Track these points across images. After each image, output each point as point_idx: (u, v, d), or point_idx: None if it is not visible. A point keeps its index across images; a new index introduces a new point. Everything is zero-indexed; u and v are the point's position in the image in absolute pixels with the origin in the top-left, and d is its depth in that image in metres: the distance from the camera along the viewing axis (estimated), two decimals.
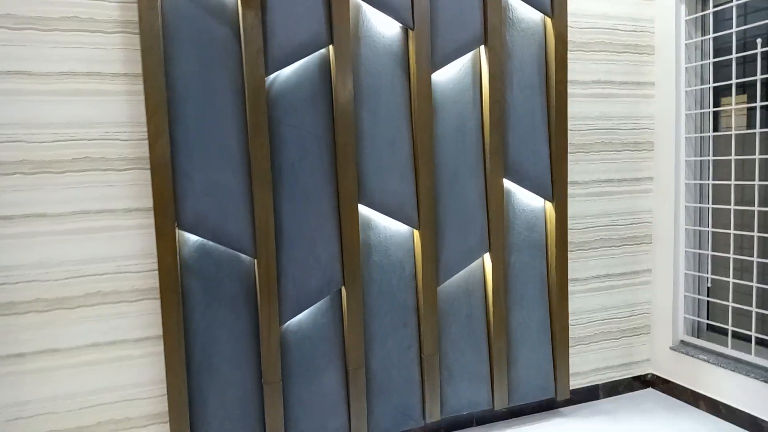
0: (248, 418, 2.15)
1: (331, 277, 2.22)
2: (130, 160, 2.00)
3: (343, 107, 2.17)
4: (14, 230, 1.90)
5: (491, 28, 2.38)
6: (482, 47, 2.41)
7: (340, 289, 2.26)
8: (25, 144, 1.89)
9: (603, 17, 2.72)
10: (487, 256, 2.48)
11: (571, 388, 2.77)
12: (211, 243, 2.05)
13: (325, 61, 2.18)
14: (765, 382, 2.38)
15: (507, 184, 2.51)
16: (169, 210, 1.96)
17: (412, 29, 2.26)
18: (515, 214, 2.53)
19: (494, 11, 2.38)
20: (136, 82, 1.98)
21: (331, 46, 2.17)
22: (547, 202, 2.59)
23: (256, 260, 2.11)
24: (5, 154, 1.87)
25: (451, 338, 2.44)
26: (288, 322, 2.18)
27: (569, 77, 2.66)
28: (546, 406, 2.72)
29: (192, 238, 2.04)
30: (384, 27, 2.26)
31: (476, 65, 2.42)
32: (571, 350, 2.77)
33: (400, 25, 2.27)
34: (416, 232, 2.35)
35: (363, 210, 2.29)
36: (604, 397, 2.87)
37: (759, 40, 2.45)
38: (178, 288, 2.00)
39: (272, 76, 2.10)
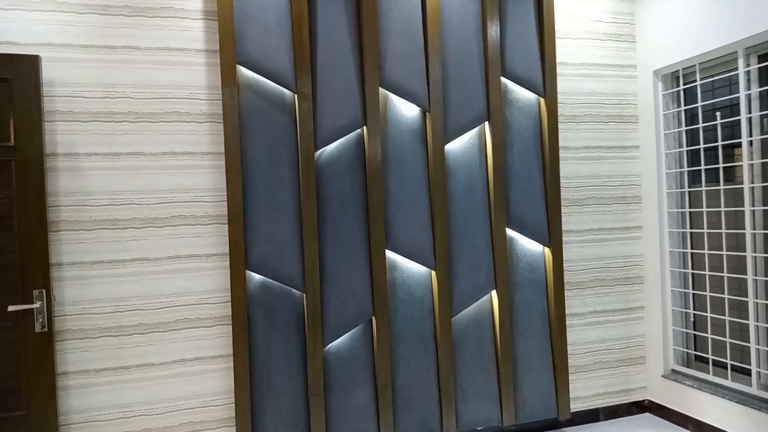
0: (297, 423, 2.65)
1: (364, 308, 2.75)
2: (212, 216, 2.62)
3: (373, 172, 2.76)
4: (125, 270, 2.52)
5: (493, 108, 2.96)
6: (486, 123, 2.98)
7: (371, 319, 2.79)
8: (136, 206, 2.53)
9: (590, 93, 3.27)
10: (494, 293, 2.97)
11: (573, 410, 3.17)
12: (270, 280, 2.63)
13: (360, 138, 2.79)
14: (738, 403, 2.76)
15: (510, 232, 3.02)
16: (240, 254, 2.56)
17: (429, 111, 2.86)
18: (518, 258, 3.03)
19: (495, 94, 2.96)
20: (219, 158, 2.63)
21: (365, 127, 2.78)
22: (545, 247, 3.08)
23: (304, 294, 2.67)
24: (123, 213, 2.51)
25: (465, 362, 2.91)
26: (329, 345, 2.71)
27: (563, 143, 3.20)
28: (551, 426, 3.13)
29: (256, 277, 2.62)
30: (406, 110, 2.86)
31: (482, 137, 2.98)
32: (572, 377, 3.18)
33: (419, 108, 2.87)
34: (433, 273, 2.87)
35: (390, 254, 2.83)
36: (605, 419, 3.25)
37: (718, 114, 2.96)
38: (246, 316, 2.57)
39: (320, 151, 2.71)
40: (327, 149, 2.74)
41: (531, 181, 3.05)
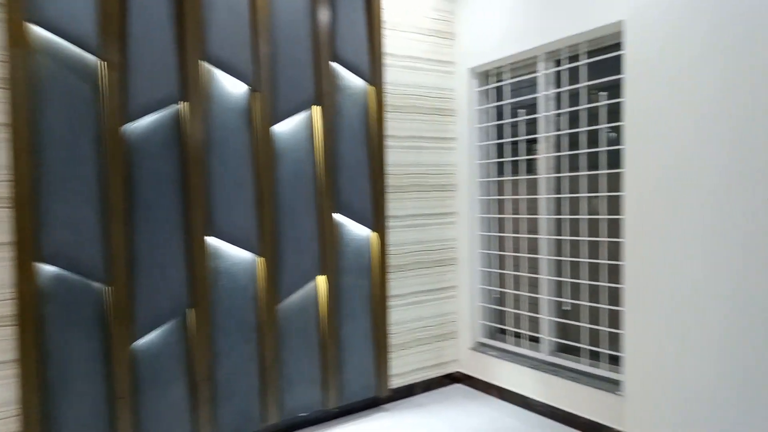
0: (101, 430, 2.38)
1: (180, 299, 2.55)
2: None
3: (195, 153, 2.56)
4: None
5: (323, 92, 2.93)
6: (316, 107, 2.94)
7: (190, 311, 2.60)
8: None
9: (415, 86, 3.41)
10: (321, 278, 2.97)
11: (392, 386, 3.34)
12: (67, 273, 2.29)
13: (179, 115, 2.55)
14: (532, 368, 3.14)
15: (339, 217, 3.04)
16: (28, 243, 2.18)
17: (257, 91, 2.73)
18: (345, 243, 3.07)
19: (326, 78, 2.93)
20: (4, 130, 2.19)
21: (185, 103, 2.55)
22: (371, 232, 3.17)
23: (109, 287, 2.38)
24: None
25: (290, 349, 2.88)
26: (139, 341, 2.47)
27: (389, 132, 3.29)
28: (372, 404, 3.26)
29: (50, 269, 2.26)
30: (232, 87, 2.69)
31: (311, 121, 2.94)
32: (392, 355, 3.34)
33: (246, 86, 2.72)
34: (259, 259, 2.77)
35: (213, 241, 2.66)
36: (420, 392, 3.48)
37: (524, 111, 3.29)
38: (35, 314, 2.21)
39: (131, 127, 2.42)
40: (140, 126, 2.45)
41: (359, 167, 3.10)
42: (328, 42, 2.95)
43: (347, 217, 3.06)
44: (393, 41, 3.29)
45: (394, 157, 3.33)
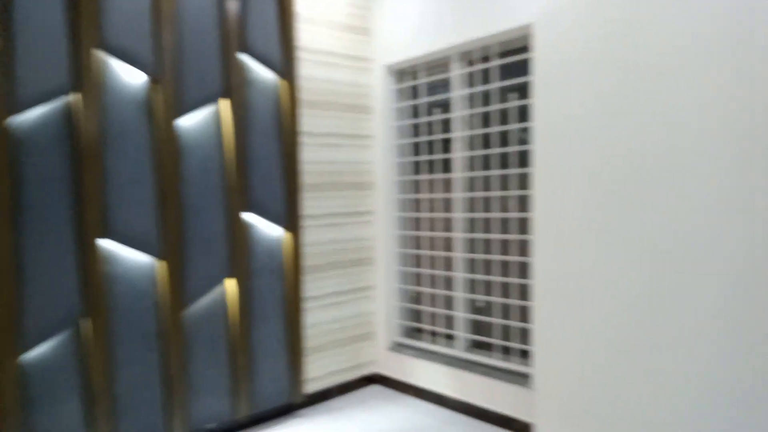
0: None
1: (72, 308, 2.33)
2: None
3: (89, 148, 2.34)
4: None
5: (232, 85, 2.78)
6: (225, 100, 2.79)
7: (85, 320, 2.38)
8: None
9: (331, 81, 3.33)
10: (230, 281, 2.83)
11: (308, 391, 3.24)
12: None
13: (71, 107, 2.32)
14: (447, 365, 3.16)
15: (250, 217, 2.91)
16: None
17: (159, 82, 2.54)
18: (257, 243, 2.94)
19: (234, 71, 2.79)
20: None
21: (77, 94, 2.32)
22: (285, 232, 3.05)
23: None
24: None
25: (197, 357, 2.71)
26: (27, 354, 2.22)
27: (304, 129, 3.19)
28: (286, 410, 3.15)
29: None
30: (131, 78, 2.49)
31: (219, 115, 2.78)
32: (308, 358, 3.25)
33: (147, 77, 2.52)
34: (161, 263, 2.59)
35: (108, 244, 2.45)
36: (337, 396, 3.41)
37: (439, 110, 3.31)
38: None
39: (15, 118, 2.17)
40: (27, 119, 2.21)
41: (271, 164, 2.98)
42: (237, 33, 2.81)
43: (259, 216, 2.93)
44: (307, 35, 3.20)
45: (310, 154, 3.23)
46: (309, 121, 3.22)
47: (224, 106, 2.79)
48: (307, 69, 3.21)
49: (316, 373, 3.31)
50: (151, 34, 2.52)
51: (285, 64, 3.01)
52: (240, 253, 2.84)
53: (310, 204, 3.23)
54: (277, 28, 2.98)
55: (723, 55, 1.96)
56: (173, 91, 2.59)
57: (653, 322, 2.17)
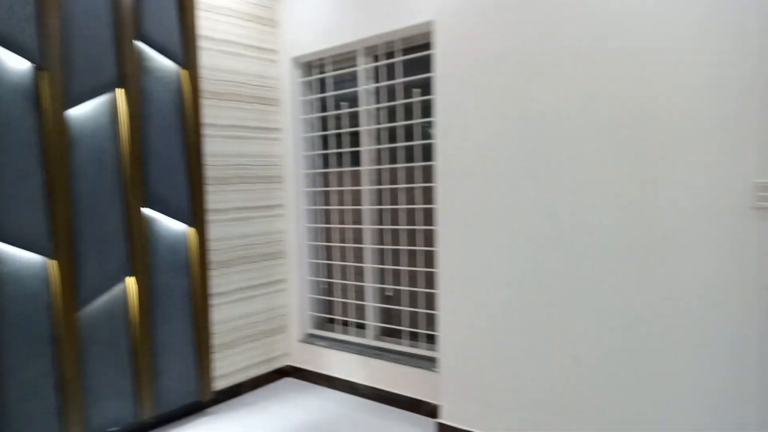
0: None
1: None
2: None
3: None
4: None
5: (127, 74, 2.66)
6: (120, 90, 2.66)
7: None
8: None
9: (235, 72, 3.26)
10: (130, 279, 2.71)
11: (217, 388, 3.19)
12: None
13: None
14: (358, 354, 3.22)
15: (150, 212, 2.80)
16: None
17: (44, 69, 2.38)
18: (159, 239, 2.83)
19: (129, 59, 2.66)
20: None
21: None
22: (189, 227, 2.97)
23: None
24: None
25: (95, 360, 2.59)
26: None
27: (207, 121, 3.11)
28: (195, 409, 3.08)
29: None
30: (13, 65, 2.31)
31: (114, 106, 2.65)
32: (217, 355, 3.19)
33: (31, 64, 2.36)
34: (53, 262, 2.44)
35: None
36: (248, 391, 3.38)
37: (346, 103, 3.34)
38: None
39: None
40: None
41: (173, 157, 2.88)
42: (133, 19, 2.68)
43: (160, 211, 2.83)
44: (209, 23, 3.11)
45: (214, 146, 3.15)
46: (213, 113, 3.14)
47: (120, 95, 2.66)
48: (210, 59, 3.12)
49: (227, 370, 3.25)
50: (34, 17, 2.35)
51: (186, 53, 2.91)
52: (140, 249, 2.73)
53: (216, 198, 3.16)
54: (177, 16, 2.87)
55: (611, 53, 2.13)
56: (62, 80, 2.43)
57: (548, 305, 2.34)
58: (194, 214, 2.97)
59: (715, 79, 1.89)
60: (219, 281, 3.19)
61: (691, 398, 2.00)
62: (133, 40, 2.68)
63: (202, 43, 3.07)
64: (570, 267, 2.25)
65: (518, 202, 2.38)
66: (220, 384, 3.21)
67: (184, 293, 2.94)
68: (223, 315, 3.22)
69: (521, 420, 2.43)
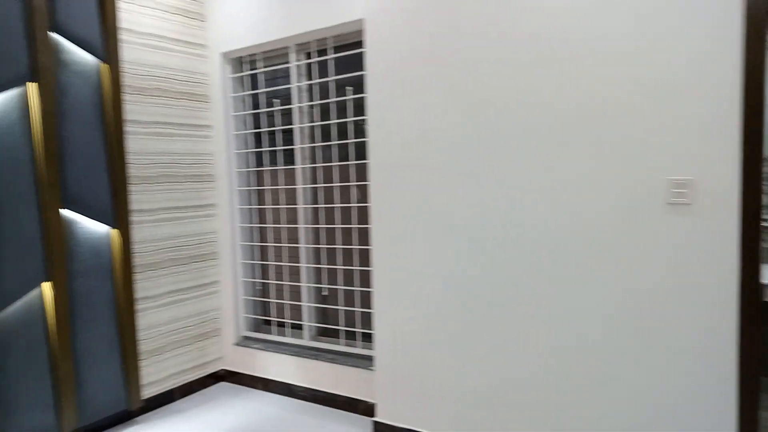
0: None
1: None
2: None
3: None
4: None
5: (41, 67, 2.49)
6: (32, 84, 2.49)
7: None
8: None
9: (161, 67, 3.14)
10: (47, 285, 2.55)
11: (147, 396, 3.06)
12: None
13: None
14: (294, 355, 3.17)
15: (68, 213, 2.64)
16: None
17: None
18: (79, 243, 2.68)
19: (43, 51, 2.50)
20: None
21: None
22: (112, 229, 2.83)
23: None
24: None
25: (10, 371, 2.42)
26: None
27: (131, 117, 2.97)
28: (123, 418, 2.94)
29: None
30: None
31: (26, 100, 2.48)
32: (145, 362, 3.06)
33: None
34: None
35: None
36: (181, 398, 3.26)
37: (279, 101, 3.28)
38: None
39: None
40: None
41: (93, 156, 2.73)
42: (46, 8, 2.52)
43: (80, 213, 2.68)
44: (131, 16, 2.97)
45: (139, 144, 3.02)
46: (137, 109, 3.01)
47: (33, 90, 2.50)
48: (133, 53, 2.98)
49: (157, 376, 3.13)
50: None
51: (106, 46, 2.77)
52: (58, 253, 2.57)
53: (142, 198, 3.03)
54: (97, 7, 2.73)
55: (538, 53, 2.19)
56: None
57: (481, 301, 2.38)
58: (117, 215, 2.84)
59: (632, 81, 1.98)
60: (146, 285, 3.06)
61: (616, 390, 2.09)
62: (48, 32, 2.53)
63: (124, 37, 2.93)
64: (501, 263, 2.31)
65: (450, 199, 2.41)
66: (149, 391, 3.08)
67: (107, 298, 2.80)
68: (151, 320, 3.09)
69: (456, 415, 2.47)
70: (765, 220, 3.06)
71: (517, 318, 2.28)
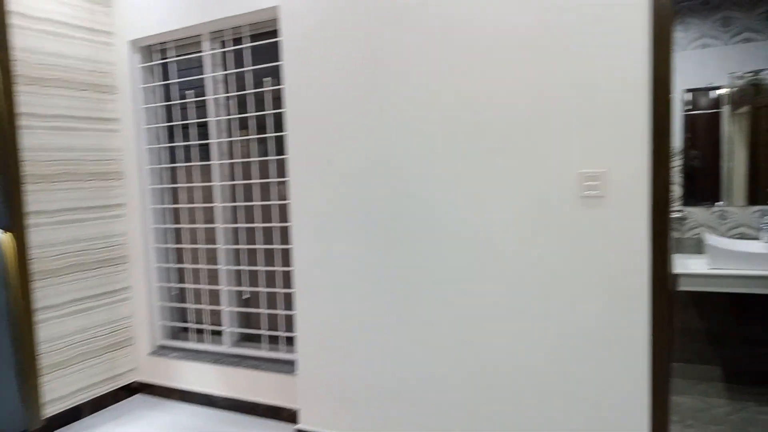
0: None
1: None
2: None
3: None
4: None
5: None
6: None
7: None
8: None
9: (60, 56, 2.88)
10: None
11: (50, 414, 2.80)
12: None
13: None
14: (214, 363, 3.00)
15: None
16: None
17: None
18: None
19: None
20: None
21: None
22: (4, 232, 2.56)
23: None
24: None
25: None
26: None
27: (26, 110, 2.70)
28: None
29: None
30: None
31: None
32: (48, 377, 2.80)
33: None
34: None
35: None
36: (90, 414, 3.02)
37: (190, 92, 3.09)
38: None
39: None
40: None
41: None
42: None
43: None
44: (24, 0, 2.71)
45: (35, 139, 2.76)
46: (34, 101, 2.74)
47: None
48: (27, 40, 2.72)
49: (62, 392, 2.87)
50: None
51: None
52: None
53: (39, 198, 2.77)
54: None
55: (453, 50, 2.15)
56: None
57: (400, 300, 2.32)
58: (10, 217, 2.57)
59: (542, 77, 1.98)
60: (46, 293, 2.80)
61: (530, 383, 2.09)
62: None
63: (15, 21, 2.66)
64: (419, 262, 2.26)
65: (368, 196, 2.34)
66: (53, 409, 2.83)
67: (1, 309, 2.54)
68: (53, 331, 2.83)
69: (379, 416, 2.40)
70: (674, 210, 3.20)
71: (435, 316, 2.24)
